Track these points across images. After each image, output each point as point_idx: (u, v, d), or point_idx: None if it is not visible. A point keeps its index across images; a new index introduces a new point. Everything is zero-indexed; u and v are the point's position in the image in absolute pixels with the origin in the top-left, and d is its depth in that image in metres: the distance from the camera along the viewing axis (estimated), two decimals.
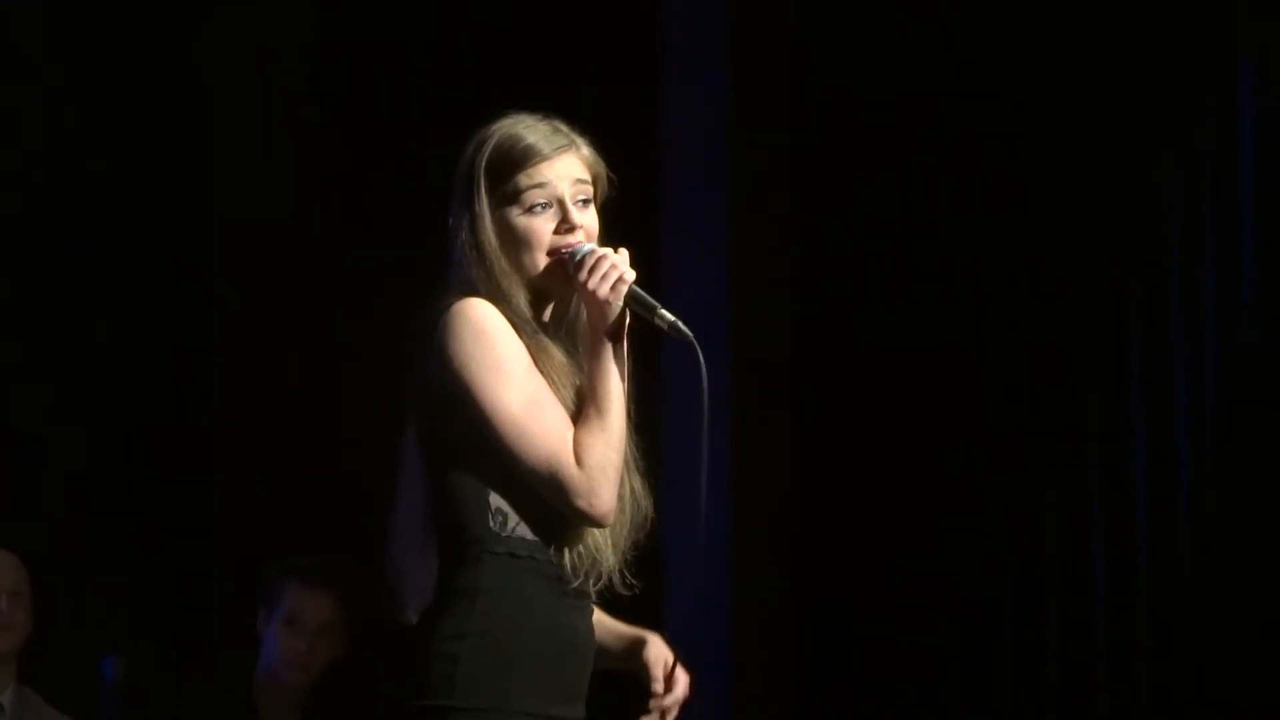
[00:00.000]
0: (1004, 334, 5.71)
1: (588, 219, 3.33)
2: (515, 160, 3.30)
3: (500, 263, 3.29)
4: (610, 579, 3.32)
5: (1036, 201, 5.68)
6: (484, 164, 3.30)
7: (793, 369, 5.83)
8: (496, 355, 3.21)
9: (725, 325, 5.81)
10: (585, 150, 3.35)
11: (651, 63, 6.04)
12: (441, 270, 3.32)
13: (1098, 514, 5.54)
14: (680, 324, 3.24)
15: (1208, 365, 5.39)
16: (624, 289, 3.25)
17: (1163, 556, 5.42)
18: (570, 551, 3.27)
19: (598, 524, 3.25)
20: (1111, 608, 5.50)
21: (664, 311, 3.26)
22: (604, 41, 6.09)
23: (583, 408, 3.25)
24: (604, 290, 3.24)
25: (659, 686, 3.40)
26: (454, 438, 3.25)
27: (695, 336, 3.23)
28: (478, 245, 3.29)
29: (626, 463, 3.31)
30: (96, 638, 5.51)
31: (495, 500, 3.25)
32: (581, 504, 3.21)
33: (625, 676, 3.42)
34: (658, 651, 3.42)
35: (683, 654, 3.42)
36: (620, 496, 3.28)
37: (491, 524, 3.24)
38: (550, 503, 3.23)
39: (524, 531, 3.25)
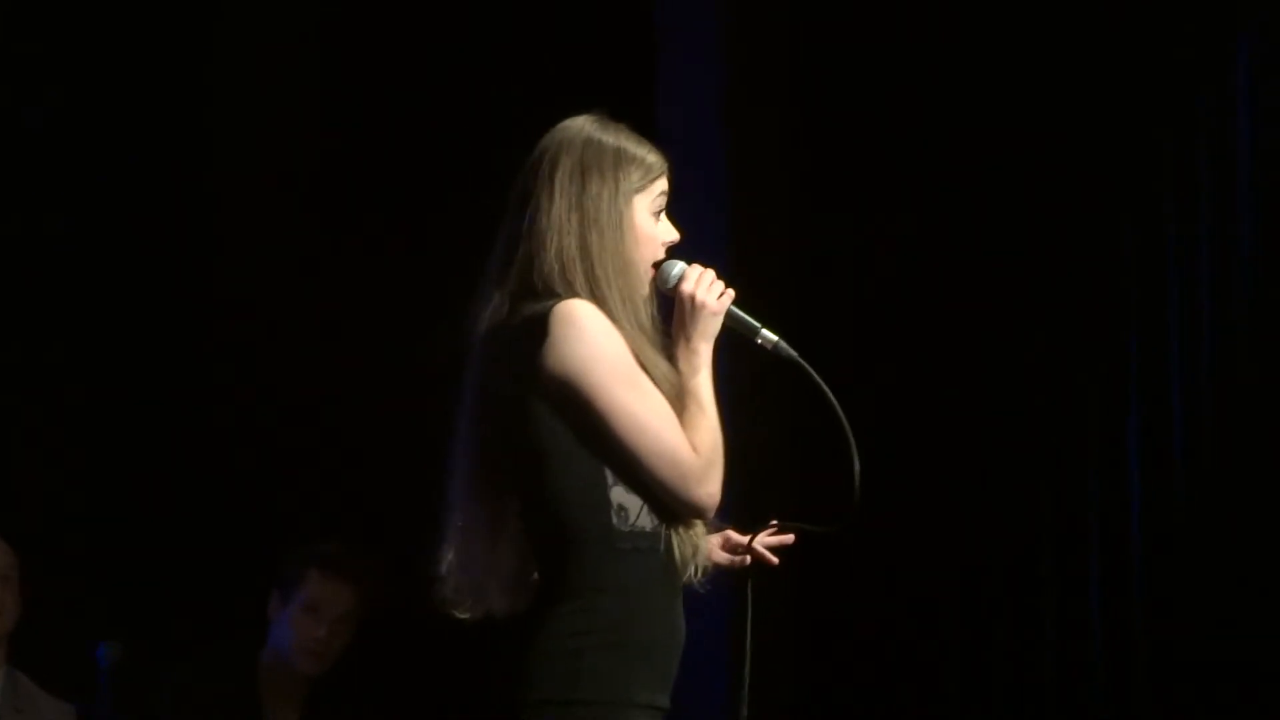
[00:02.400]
0: (998, 327, 5.70)
1: None
2: (655, 165, 3.43)
3: (635, 253, 3.39)
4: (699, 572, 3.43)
5: (1031, 185, 5.68)
6: (627, 162, 3.41)
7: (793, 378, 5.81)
8: (611, 356, 3.30)
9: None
10: None
11: (647, 57, 6.03)
12: (522, 262, 3.36)
13: (1094, 513, 5.55)
14: (783, 343, 3.46)
15: (1201, 360, 5.40)
16: (727, 302, 3.43)
17: (1158, 553, 5.43)
18: (680, 544, 3.36)
19: (707, 513, 3.36)
20: (1107, 606, 5.51)
21: (767, 333, 3.48)
22: (599, 34, 6.08)
23: (681, 403, 3.35)
24: (712, 300, 3.41)
25: (727, 542, 3.56)
26: (565, 438, 3.31)
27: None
28: (621, 235, 3.38)
29: None
30: (91, 623, 5.51)
31: (616, 496, 3.32)
32: (702, 492, 3.32)
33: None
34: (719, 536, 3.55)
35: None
36: None
37: (615, 520, 3.32)
38: (666, 495, 3.31)
39: (644, 524, 3.33)
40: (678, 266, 3.44)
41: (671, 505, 3.33)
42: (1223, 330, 5.38)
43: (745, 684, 3.49)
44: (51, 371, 6.09)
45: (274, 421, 6.17)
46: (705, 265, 3.46)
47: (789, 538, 3.57)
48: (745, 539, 3.57)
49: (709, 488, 3.32)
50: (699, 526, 3.38)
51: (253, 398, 6.20)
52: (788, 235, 5.94)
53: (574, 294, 3.33)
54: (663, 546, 3.34)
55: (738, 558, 3.57)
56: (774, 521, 3.60)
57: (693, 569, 3.38)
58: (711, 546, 3.53)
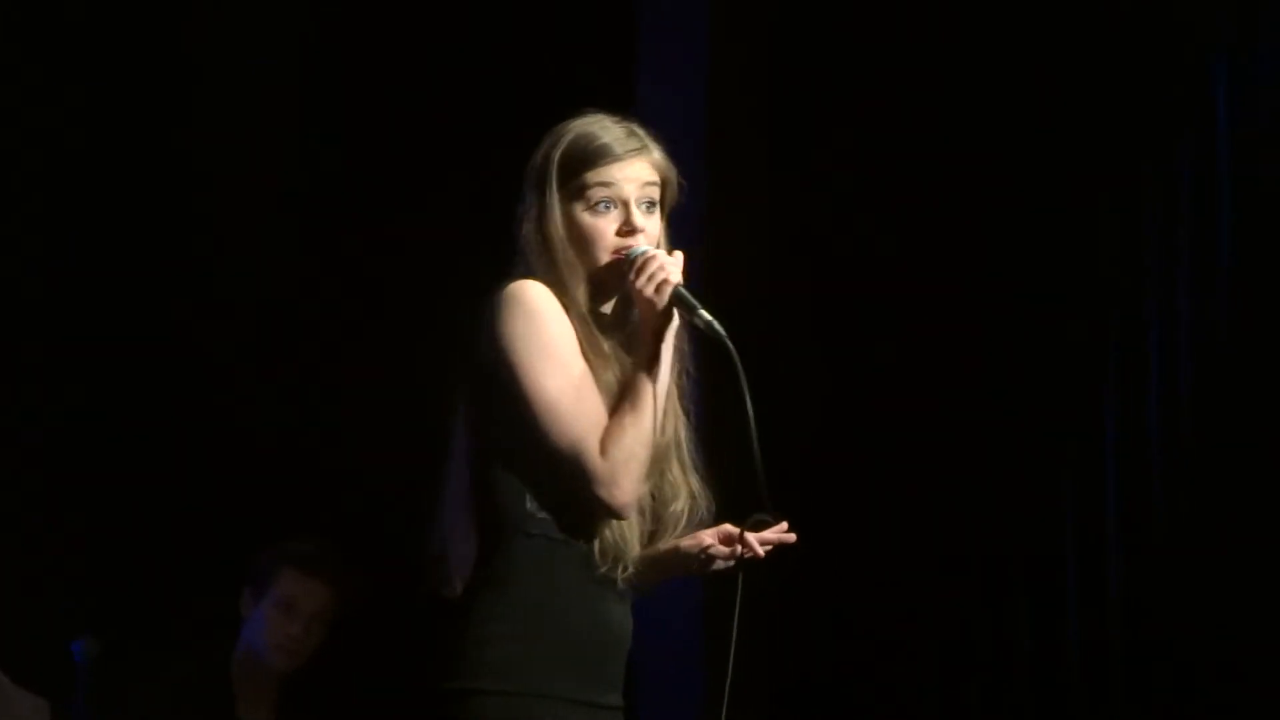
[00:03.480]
0: (976, 342, 5.70)
1: (650, 223, 3.43)
2: (587, 158, 3.40)
3: (565, 254, 3.38)
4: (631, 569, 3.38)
5: (1013, 200, 5.69)
6: (557, 158, 3.40)
7: (766, 366, 5.83)
8: (544, 336, 3.30)
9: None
10: (657, 155, 3.46)
11: (629, 38, 6.04)
12: (508, 257, 3.43)
13: (1071, 527, 5.55)
14: (715, 324, 3.33)
15: (1180, 374, 5.41)
16: (668, 290, 3.35)
17: (1136, 568, 5.44)
18: (596, 539, 3.34)
19: (617, 515, 3.32)
20: (1083, 619, 5.52)
21: (702, 312, 3.35)
22: (581, 18, 6.09)
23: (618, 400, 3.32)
24: (649, 290, 3.34)
25: (722, 534, 3.49)
26: (497, 417, 3.32)
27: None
28: (544, 235, 3.39)
29: (683, 462, 3.43)
30: (67, 619, 5.51)
31: None
32: (602, 493, 3.28)
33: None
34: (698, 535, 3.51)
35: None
36: (662, 492, 3.40)
37: (529, 505, 3.32)
38: (570, 489, 3.29)
39: None
40: (636, 252, 3.39)
41: (576, 496, 3.30)
42: (1202, 349, 5.39)
43: (728, 682, 3.44)
44: (28, 370, 6.08)
45: (251, 420, 6.18)
46: (682, 249, 3.43)
47: (791, 536, 3.51)
48: (737, 530, 3.52)
49: (610, 489, 3.27)
50: (622, 527, 3.35)
51: (229, 396, 6.21)
52: (766, 222, 5.95)
53: (533, 277, 3.36)
54: (580, 542, 3.34)
55: (730, 548, 3.51)
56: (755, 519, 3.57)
57: (619, 567, 3.36)
58: (702, 537, 3.51)
